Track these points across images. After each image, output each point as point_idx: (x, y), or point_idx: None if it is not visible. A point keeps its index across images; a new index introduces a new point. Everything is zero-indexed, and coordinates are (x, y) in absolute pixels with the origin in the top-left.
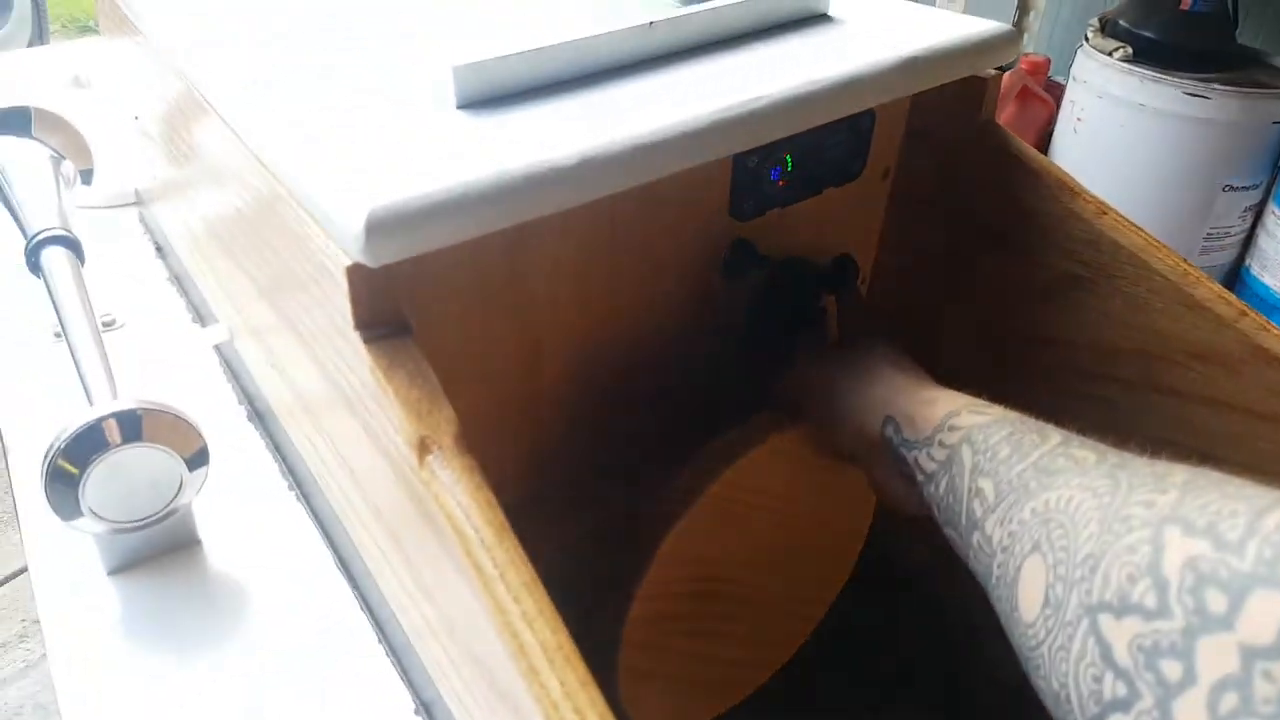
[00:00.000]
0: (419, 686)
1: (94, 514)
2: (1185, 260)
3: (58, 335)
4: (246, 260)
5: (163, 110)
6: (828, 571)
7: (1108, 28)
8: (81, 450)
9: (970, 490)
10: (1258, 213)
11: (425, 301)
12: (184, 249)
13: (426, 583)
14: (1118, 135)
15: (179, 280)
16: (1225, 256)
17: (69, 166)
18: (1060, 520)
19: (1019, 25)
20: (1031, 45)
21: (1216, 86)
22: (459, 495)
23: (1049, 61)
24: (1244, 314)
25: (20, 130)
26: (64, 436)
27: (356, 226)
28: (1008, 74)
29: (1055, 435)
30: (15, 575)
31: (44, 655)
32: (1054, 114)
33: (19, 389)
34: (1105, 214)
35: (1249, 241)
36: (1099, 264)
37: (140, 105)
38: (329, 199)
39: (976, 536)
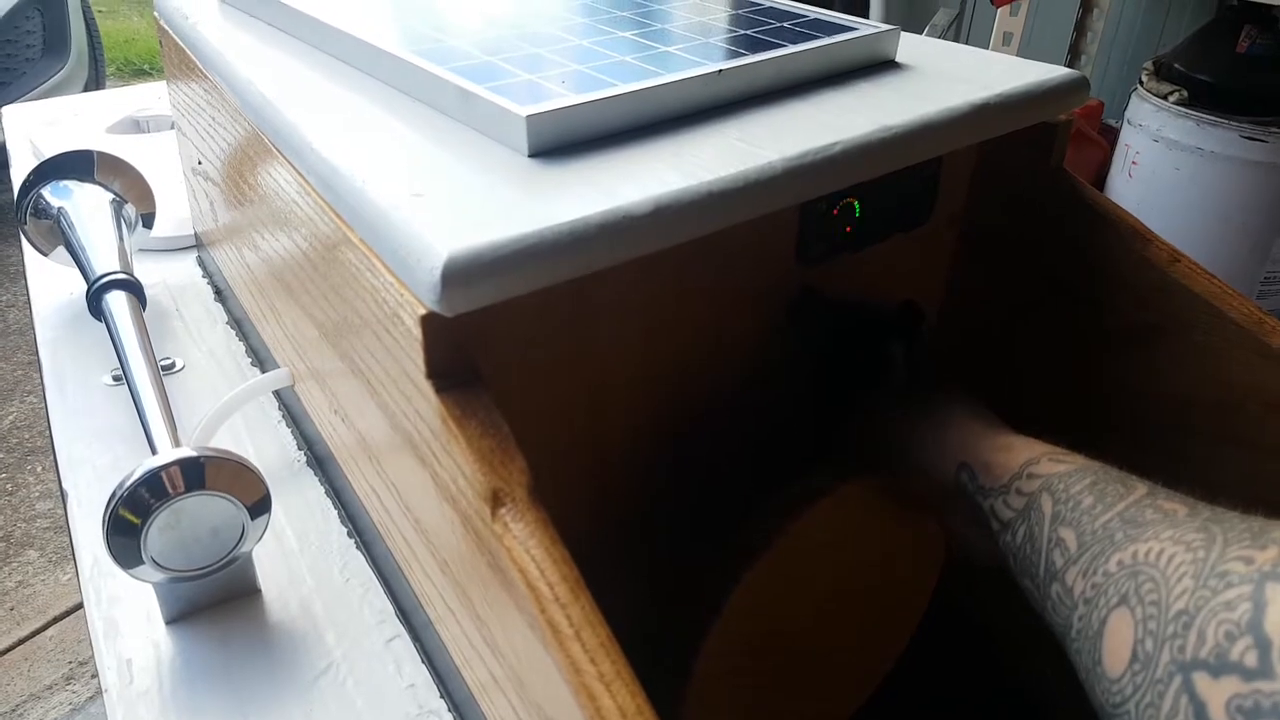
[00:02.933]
0: None
1: (155, 563)
2: (1260, 308)
3: (116, 379)
4: (312, 305)
5: (227, 155)
6: (895, 624)
7: (1162, 71)
8: (144, 499)
9: (1050, 540)
10: None
11: (495, 348)
12: (244, 292)
13: (495, 638)
14: (1174, 178)
15: (238, 324)
16: None
17: (130, 210)
18: (1150, 574)
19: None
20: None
21: (1274, 130)
22: (533, 549)
23: (1102, 105)
24: None
25: (84, 174)
26: (127, 485)
27: (433, 275)
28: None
29: (1140, 485)
30: (63, 616)
31: (90, 698)
32: (1108, 157)
33: (78, 432)
34: (1178, 261)
35: None
36: (1172, 312)
37: (204, 150)
38: (404, 246)
39: (1056, 588)
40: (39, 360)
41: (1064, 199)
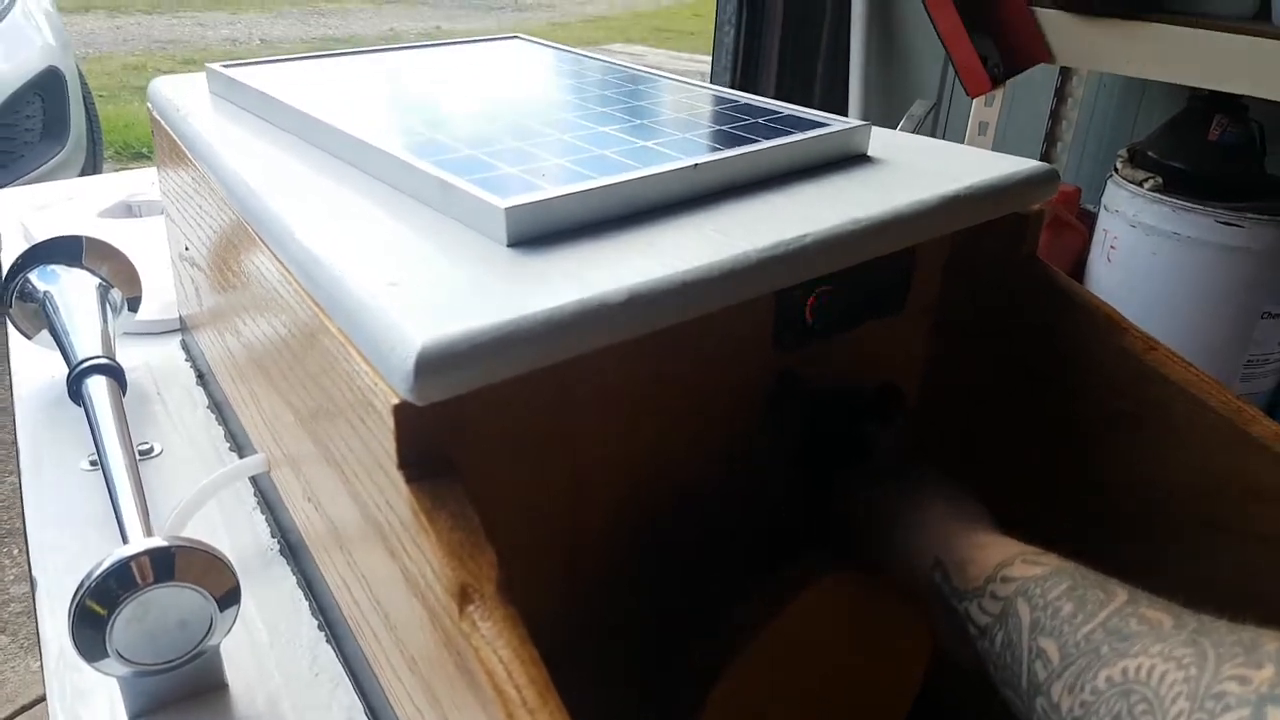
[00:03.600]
0: None
1: (120, 656)
2: (1237, 397)
3: (94, 464)
4: (289, 390)
5: (213, 242)
6: (883, 716)
7: (1136, 158)
8: (111, 589)
9: (1031, 650)
10: None
11: (470, 438)
12: (225, 377)
13: None
14: (1151, 264)
15: (219, 408)
16: (1267, 383)
17: (116, 294)
18: (1143, 693)
19: (1046, 157)
20: (1061, 176)
21: (1250, 215)
22: (500, 649)
23: (1079, 191)
24: None
25: (71, 259)
26: (95, 575)
27: (407, 365)
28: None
29: (1121, 592)
30: (33, 705)
31: None
32: (1086, 242)
33: (51, 518)
34: (1154, 350)
35: None
36: (1149, 401)
37: (191, 236)
38: (379, 335)
39: (1041, 702)
40: (16, 443)
41: (1038, 288)
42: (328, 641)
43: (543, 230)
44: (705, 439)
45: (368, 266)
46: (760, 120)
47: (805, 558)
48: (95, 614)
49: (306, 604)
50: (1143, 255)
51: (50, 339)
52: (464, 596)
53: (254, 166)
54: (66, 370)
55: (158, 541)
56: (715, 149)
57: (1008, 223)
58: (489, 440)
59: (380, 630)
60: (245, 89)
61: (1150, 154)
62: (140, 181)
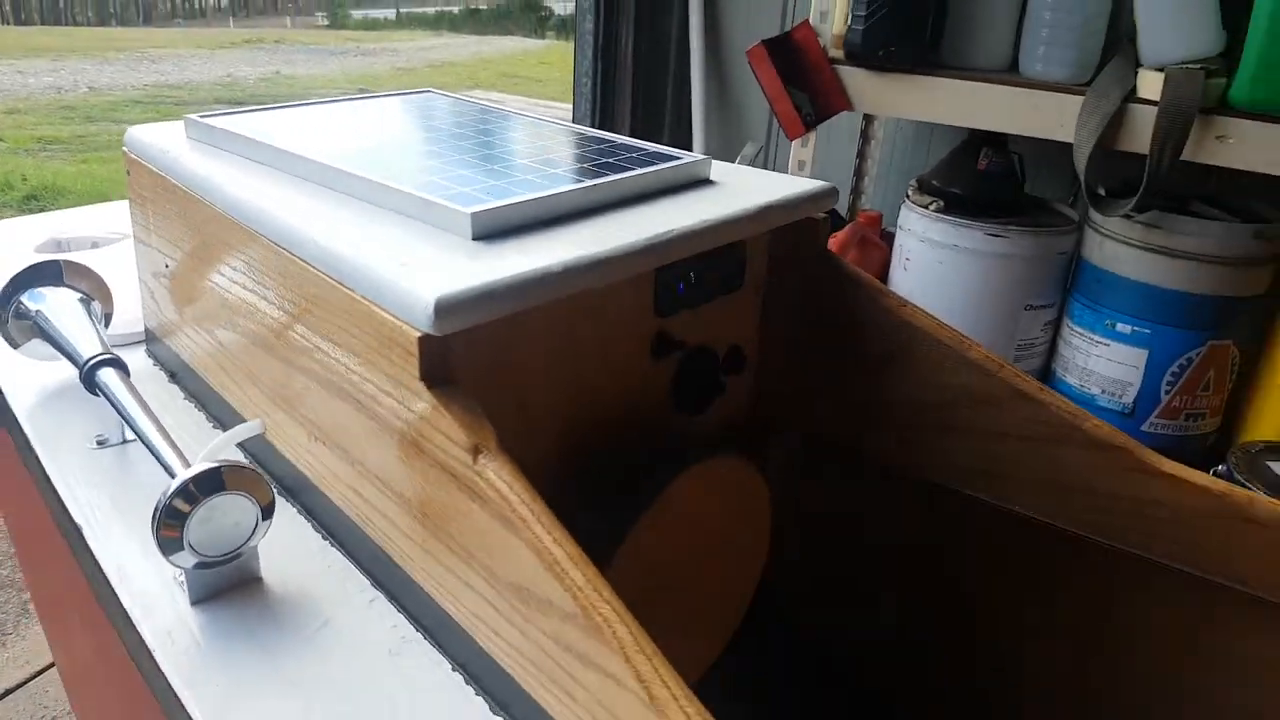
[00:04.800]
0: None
1: (192, 549)
2: (962, 334)
3: (100, 443)
4: (297, 357)
5: (200, 255)
6: (743, 578)
7: (923, 186)
8: (191, 495)
9: None
10: (1055, 326)
11: (454, 365)
12: (208, 368)
13: (474, 553)
14: (938, 271)
15: (197, 398)
16: (1035, 363)
17: (97, 307)
18: None
19: (856, 189)
20: (867, 203)
21: (1012, 228)
22: (506, 478)
23: (881, 216)
24: (1003, 366)
25: (54, 280)
26: (169, 493)
27: (428, 310)
28: (850, 226)
29: None
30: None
31: None
32: (888, 256)
33: (78, 482)
34: (904, 307)
35: (1052, 350)
36: (903, 342)
37: (171, 255)
38: (402, 296)
39: None
40: (22, 434)
41: (830, 270)
42: (333, 546)
43: (495, 229)
44: (610, 378)
45: (380, 256)
46: (634, 154)
47: (680, 456)
48: (179, 512)
49: (309, 525)
50: (931, 264)
51: (37, 349)
52: (476, 450)
53: (255, 192)
54: (74, 369)
55: (211, 464)
56: (603, 174)
57: (806, 224)
58: (466, 369)
59: (392, 509)
60: (225, 134)
61: (934, 182)
62: (63, 222)
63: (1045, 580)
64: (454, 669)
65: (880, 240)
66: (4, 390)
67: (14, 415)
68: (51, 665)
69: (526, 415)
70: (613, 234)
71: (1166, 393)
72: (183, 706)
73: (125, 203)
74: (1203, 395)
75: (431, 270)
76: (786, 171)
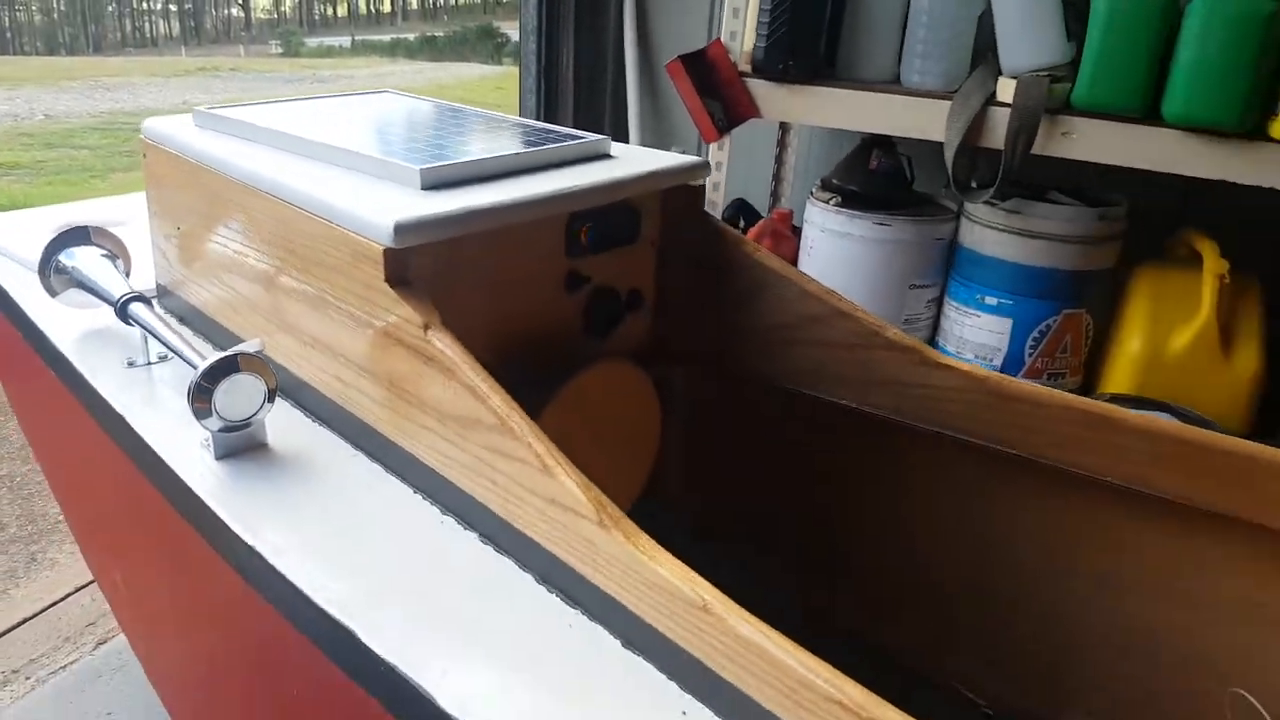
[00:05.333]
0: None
1: (218, 414)
2: (799, 271)
3: (130, 364)
4: (292, 283)
5: (209, 215)
6: (642, 453)
7: (825, 185)
8: (218, 372)
9: None
10: (939, 303)
11: (412, 272)
12: (212, 308)
13: (426, 401)
14: (837, 255)
15: (206, 335)
16: (921, 335)
17: (120, 263)
18: None
19: (776, 191)
20: (785, 202)
21: (898, 217)
22: (449, 346)
23: (791, 212)
24: (830, 293)
25: (83, 241)
26: (205, 366)
27: (390, 230)
28: (763, 221)
29: None
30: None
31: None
32: (797, 247)
33: (117, 390)
34: (758, 252)
35: (936, 324)
36: (759, 279)
37: (182, 219)
38: (373, 223)
39: None
40: (65, 361)
41: (706, 227)
42: (322, 426)
43: (438, 181)
44: (532, 306)
45: (354, 198)
46: (551, 135)
47: (587, 362)
48: (206, 389)
49: (304, 414)
50: (830, 252)
51: (72, 298)
52: (426, 327)
53: (255, 161)
54: (104, 311)
55: (228, 352)
56: (529, 146)
57: (686, 190)
58: (418, 276)
59: (366, 385)
60: (227, 120)
61: (834, 181)
62: (70, 212)
63: (865, 453)
64: (414, 492)
65: (790, 233)
66: (46, 331)
67: (57, 348)
68: (64, 598)
69: (464, 323)
70: (529, 187)
71: (1030, 355)
72: (220, 520)
73: (121, 198)
74: (1062, 357)
75: (392, 206)
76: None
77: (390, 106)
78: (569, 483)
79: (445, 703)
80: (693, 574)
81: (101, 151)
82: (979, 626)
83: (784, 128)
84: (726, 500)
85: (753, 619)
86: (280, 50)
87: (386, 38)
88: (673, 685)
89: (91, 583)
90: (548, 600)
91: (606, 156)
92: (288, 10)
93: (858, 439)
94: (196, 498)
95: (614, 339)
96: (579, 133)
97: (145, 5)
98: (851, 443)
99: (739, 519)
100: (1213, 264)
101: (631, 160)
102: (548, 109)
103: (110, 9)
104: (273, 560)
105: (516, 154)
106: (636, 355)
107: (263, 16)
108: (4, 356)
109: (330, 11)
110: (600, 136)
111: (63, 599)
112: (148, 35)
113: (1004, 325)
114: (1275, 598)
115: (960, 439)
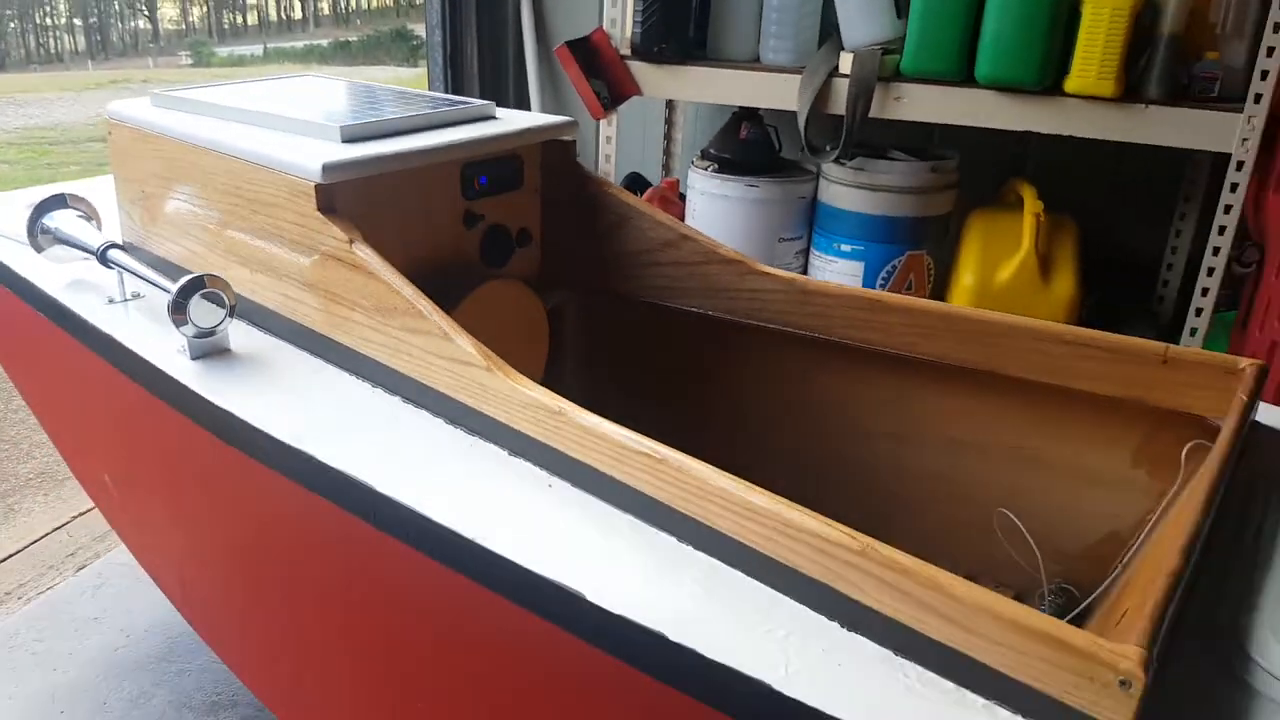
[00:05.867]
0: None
1: (193, 322)
2: (653, 207)
3: (110, 301)
4: (243, 224)
5: (170, 176)
6: (536, 351)
7: (704, 154)
8: (186, 292)
9: None
10: (805, 253)
11: (338, 203)
12: (175, 255)
13: (355, 300)
14: (715, 216)
15: (170, 277)
16: None
17: (95, 222)
18: None
19: (666, 163)
20: (672, 172)
21: (765, 180)
22: (367, 251)
23: (678, 181)
24: (678, 221)
25: (61, 205)
26: (178, 286)
27: (319, 170)
28: (652, 189)
29: None
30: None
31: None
32: (683, 211)
33: (108, 319)
34: (622, 193)
35: (805, 272)
36: (621, 213)
37: (147, 183)
38: (306, 165)
39: None
40: (56, 304)
41: (577, 175)
42: (272, 336)
43: (355, 136)
44: (438, 239)
45: (290, 149)
46: (448, 101)
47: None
48: (182, 302)
49: (256, 330)
50: (710, 212)
51: (55, 254)
52: (351, 241)
53: (207, 129)
54: (87, 259)
55: (198, 274)
56: (428, 110)
57: (560, 145)
58: (343, 207)
59: (305, 296)
60: (180, 100)
61: (711, 150)
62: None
63: (710, 348)
64: (349, 374)
65: (677, 199)
66: (36, 282)
67: (47, 294)
68: (44, 535)
69: (381, 250)
70: (428, 140)
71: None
72: (198, 395)
73: (77, 183)
74: (907, 292)
75: (320, 153)
76: (597, 148)
77: (313, 85)
78: (464, 343)
79: (389, 492)
80: (553, 394)
81: (21, 166)
82: (807, 484)
83: (670, 106)
84: (605, 391)
85: (596, 416)
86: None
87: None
88: (542, 472)
89: (68, 522)
90: (454, 433)
91: (493, 118)
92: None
93: (704, 338)
94: (179, 383)
95: (510, 269)
96: (470, 99)
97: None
98: (699, 341)
99: (614, 407)
100: (1031, 205)
101: (513, 120)
102: (454, 94)
103: (12, 26)
104: (242, 415)
105: (417, 114)
106: (529, 282)
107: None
108: None
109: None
110: (486, 102)
111: (43, 536)
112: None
113: (857, 268)
114: (1032, 440)
115: (779, 329)
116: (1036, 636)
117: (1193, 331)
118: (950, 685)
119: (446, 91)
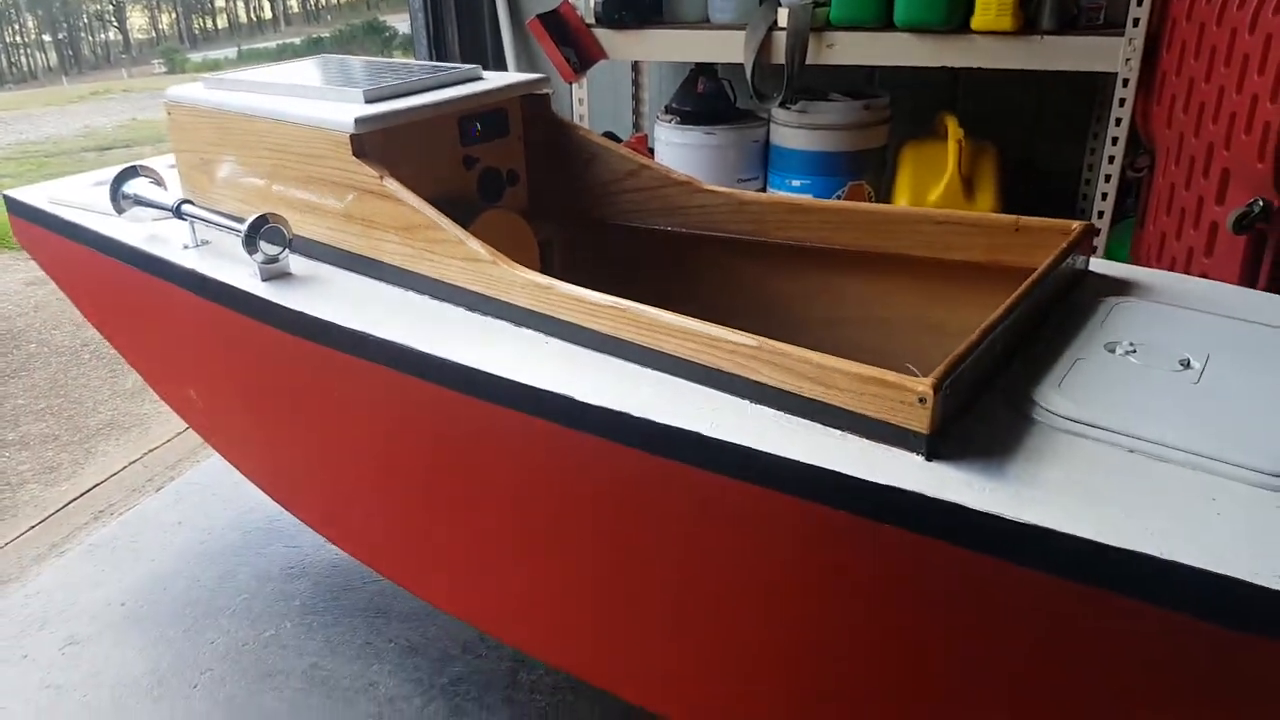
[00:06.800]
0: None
1: (261, 250)
2: (617, 144)
3: (185, 247)
4: (289, 175)
5: (225, 146)
6: (530, 251)
7: (667, 109)
8: (256, 228)
9: None
10: (763, 192)
11: (369, 149)
12: (234, 209)
13: (387, 225)
14: (680, 163)
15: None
16: None
17: (162, 189)
18: None
19: (636, 121)
20: (641, 129)
21: (721, 128)
22: (395, 184)
23: (646, 135)
24: (636, 152)
25: (134, 175)
26: (249, 222)
27: (352, 123)
28: (623, 144)
29: None
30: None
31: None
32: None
33: (182, 262)
34: (591, 135)
35: None
36: (591, 151)
37: (206, 150)
38: (342, 122)
39: None
40: (143, 253)
41: (553, 124)
42: (323, 263)
43: (375, 97)
44: (443, 178)
45: (328, 111)
46: (444, 68)
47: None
48: (253, 235)
49: (309, 261)
50: (674, 159)
51: (134, 214)
52: (381, 177)
53: (255, 100)
54: (161, 215)
55: (261, 213)
56: (429, 75)
57: (536, 98)
58: (373, 152)
59: (348, 226)
60: (229, 80)
61: (673, 105)
62: (91, 177)
63: (669, 258)
64: (385, 283)
65: (647, 152)
66: (121, 237)
67: (135, 247)
68: (122, 468)
69: (409, 186)
70: (432, 98)
71: None
72: (274, 303)
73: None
74: None
75: (351, 111)
76: (571, 106)
77: (331, 61)
78: (474, 245)
79: (434, 351)
80: (546, 276)
81: (24, 180)
82: None
83: (636, 69)
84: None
85: (575, 287)
86: (164, 69)
87: (272, 44)
88: (540, 335)
89: (141, 457)
90: (470, 316)
91: (480, 79)
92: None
93: (665, 251)
94: (258, 298)
95: (504, 203)
96: (462, 65)
97: (19, 39)
98: (661, 252)
99: None
100: (954, 133)
101: (497, 79)
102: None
103: None
104: (311, 313)
105: (421, 78)
106: (520, 213)
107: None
108: (78, 273)
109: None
110: (474, 65)
111: (122, 469)
112: (26, 69)
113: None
114: (933, 311)
115: (724, 236)
116: (869, 380)
117: (1098, 233)
118: (818, 425)
119: (430, 52)
